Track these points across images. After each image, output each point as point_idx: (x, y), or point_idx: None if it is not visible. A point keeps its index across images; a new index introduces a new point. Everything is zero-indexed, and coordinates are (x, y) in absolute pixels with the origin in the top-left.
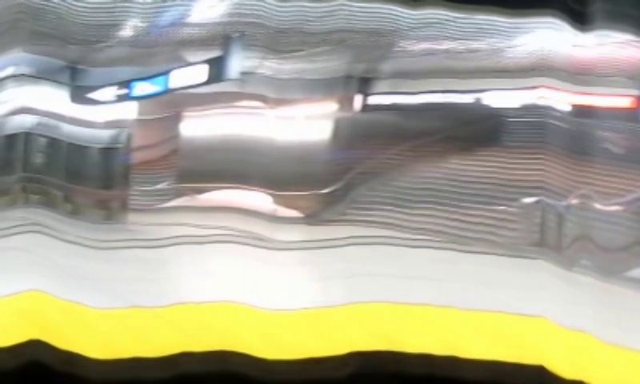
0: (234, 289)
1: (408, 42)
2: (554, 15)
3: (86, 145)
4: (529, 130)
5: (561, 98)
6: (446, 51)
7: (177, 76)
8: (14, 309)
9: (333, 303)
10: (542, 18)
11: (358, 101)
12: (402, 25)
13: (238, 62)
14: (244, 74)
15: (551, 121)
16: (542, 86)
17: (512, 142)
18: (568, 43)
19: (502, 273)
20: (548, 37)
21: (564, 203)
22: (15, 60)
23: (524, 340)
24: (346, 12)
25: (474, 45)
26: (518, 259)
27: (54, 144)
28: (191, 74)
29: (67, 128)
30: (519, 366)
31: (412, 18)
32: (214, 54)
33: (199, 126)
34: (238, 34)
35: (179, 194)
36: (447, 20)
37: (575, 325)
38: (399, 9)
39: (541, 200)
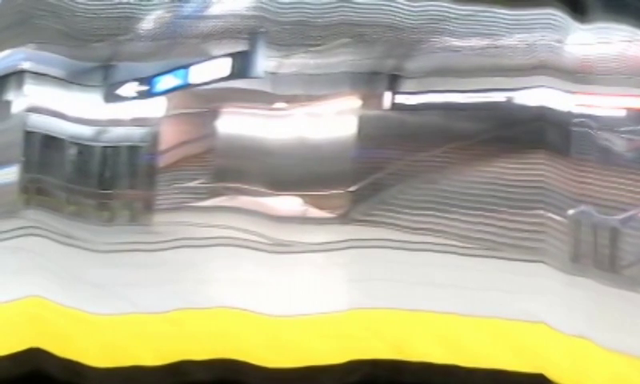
0: (244, 294)
1: (433, 39)
2: (554, 7)
3: (111, 145)
4: (557, 135)
5: (573, 100)
6: (472, 48)
7: (198, 70)
8: (17, 315)
9: (349, 307)
10: (542, 11)
11: (387, 98)
12: (420, 20)
13: (262, 58)
14: (268, 71)
15: (582, 128)
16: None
17: (546, 145)
18: (571, 40)
19: (502, 276)
20: (549, 33)
21: (607, 215)
22: (29, 56)
23: (524, 346)
24: (359, 6)
25: (500, 41)
26: (519, 263)
27: (74, 145)
28: (214, 69)
29: (84, 128)
30: (519, 375)
31: (424, 13)
32: (238, 48)
33: (224, 124)
34: (262, 29)
35: (206, 194)
36: (454, 15)
37: (576, 330)
38: (415, 3)
39: (582, 209)
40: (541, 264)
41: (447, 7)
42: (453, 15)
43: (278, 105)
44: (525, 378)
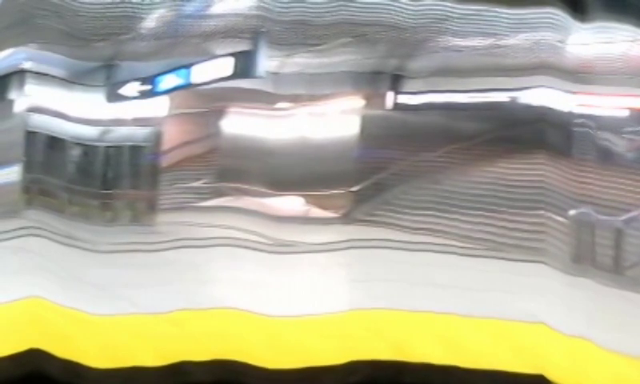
0: (245, 295)
1: (435, 38)
2: (555, 6)
3: (113, 145)
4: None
5: (574, 101)
6: (474, 48)
7: (201, 70)
8: (17, 315)
9: (349, 308)
10: (543, 10)
11: (389, 98)
12: (422, 20)
13: (264, 58)
14: (270, 71)
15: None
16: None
17: (548, 145)
18: (573, 39)
19: (502, 277)
20: (551, 32)
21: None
22: (31, 56)
23: (524, 347)
24: (361, 5)
25: (503, 41)
26: (519, 263)
27: (76, 145)
28: (216, 68)
29: (86, 128)
30: (519, 375)
31: (427, 12)
32: (240, 47)
33: (226, 124)
34: (264, 29)
35: (209, 194)
36: (456, 14)
37: (576, 331)
38: (417, 3)
39: (584, 210)
40: (541, 264)
41: (449, 7)
42: (455, 15)
43: (280, 105)
44: (525, 378)
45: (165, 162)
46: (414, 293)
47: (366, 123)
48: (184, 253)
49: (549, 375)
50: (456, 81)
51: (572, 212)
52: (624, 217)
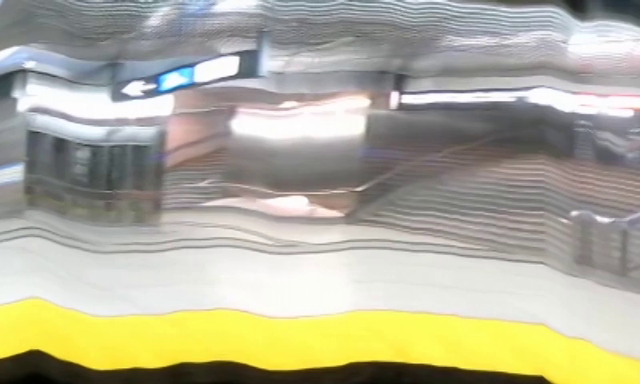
0: (247, 296)
1: (439, 38)
2: (556, 5)
3: (116, 144)
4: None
5: (576, 101)
6: (482, 47)
7: (205, 69)
8: (18, 316)
9: (350, 309)
10: (544, 9)
11: (393, 98)
12: (425, 19)
13: (268, 57)
14: (275, 70)
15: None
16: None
17: (549, 146)
18: (574, 39)
19: (503, 277)
20: (553, 32)
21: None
22: (33, 55)
23: (524, 348)
24: (365, 4)
25: (506, 40)
26: (520, 264)
27: (78, 146)
28: (220, 67)
29: (89, 128)
30: (519, 377)
31: (430, 11)
32: (245, 46)
33: (230, 124)
34: (267, 29)
35: (212, 194)
36: (459, 13)
37: (576, 332)
38: (420, 2)
39: (586, 211)
40: (542, 265)
41: (452, 6)
42: (457, 14)
43: (284, 104)
44: (525, 379)
45: (169, 161)
46: (414, 293)
47: (370, 123)
48: (186, 253)
49: (549, 376)
50: (459, 80)
51: (573, 213)
52: (629, 218)
